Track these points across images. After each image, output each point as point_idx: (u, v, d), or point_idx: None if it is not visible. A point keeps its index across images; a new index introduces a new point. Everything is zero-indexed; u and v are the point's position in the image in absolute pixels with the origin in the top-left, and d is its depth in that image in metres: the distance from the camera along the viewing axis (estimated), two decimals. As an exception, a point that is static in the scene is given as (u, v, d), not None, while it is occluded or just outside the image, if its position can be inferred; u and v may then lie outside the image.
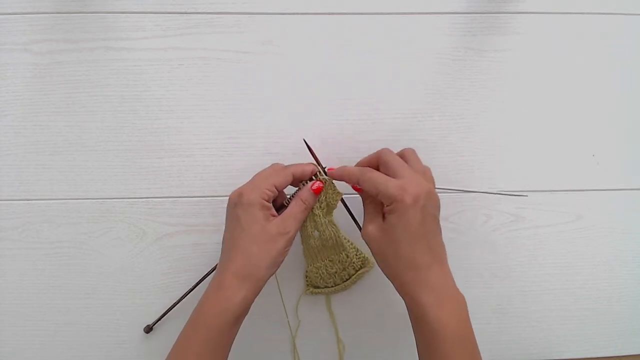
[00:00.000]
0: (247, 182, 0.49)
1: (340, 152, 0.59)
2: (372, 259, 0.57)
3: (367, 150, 0.58)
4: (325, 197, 0.52)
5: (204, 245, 0.59)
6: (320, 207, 0.52)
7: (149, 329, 0.58)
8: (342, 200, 0.54)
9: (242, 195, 0.47)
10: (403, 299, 0.47)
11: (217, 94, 0.58)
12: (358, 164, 0.53)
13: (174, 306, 0.57)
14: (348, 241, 0.56)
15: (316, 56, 0.58)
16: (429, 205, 0.46)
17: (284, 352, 0.60)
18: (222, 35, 0.57)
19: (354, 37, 0.58)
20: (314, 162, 0.52)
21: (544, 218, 0.61)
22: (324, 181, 0.51)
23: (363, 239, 0.49)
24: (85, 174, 0.58)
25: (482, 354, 0.61)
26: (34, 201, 0.58)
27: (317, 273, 0.56)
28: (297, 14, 0.57)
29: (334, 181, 0.51)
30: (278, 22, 0.57)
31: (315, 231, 0.53)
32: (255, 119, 0.58)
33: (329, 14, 0.58)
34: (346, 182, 0.51)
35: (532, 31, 0.59)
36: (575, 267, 0.61)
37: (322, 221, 0.52)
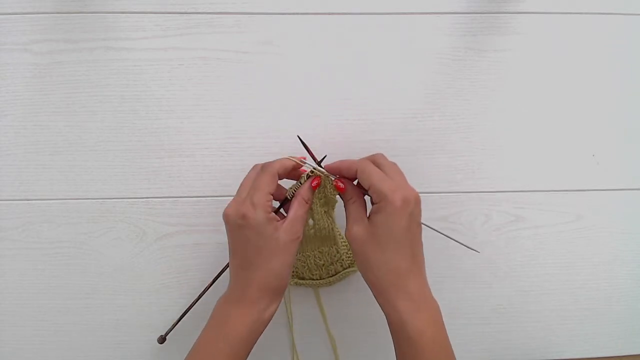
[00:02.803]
0: (242, 198, 0.47)
1: (340, 152, 0.59)
2: None
3: (367, 150, 0.58)
4: (324, 191, 0.52)
5: (204, 245, 0.59)
6: (318, 198, 0.52)
7: (162, 340, 0.58)
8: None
9: (247, 217, 0.45)
10: (381, 306, 0.47)
11: (217, 94, 0.58)
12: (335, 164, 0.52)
13: (185, 314, 0.57)
14: (342, 238, 0.56)
15: (316, 56, 0.58)
16: (416, 212, 0.46)
17: (283, 350, 0.60)
18: (222, 35, 0.57)
19: (354, 37, 0.58)
20: (309, 157, 0.52)
21: (544, 218, 0.61)
22: (321, 177, 0.50)
23: (347, 240, 0.48)
24: (85, 174, 0.58)
25: (482, 354, 0.61)
26: (34, 201, 0.58)
27: (304, 262, 0.56)
28: (297, 14, 0.57)
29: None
30: (278, 22, 0.57)
31: (310, 219, 0.53)
32: (255, 119, 0.58)
33: (329, 14, 0.58)
34: (343, 174, 0.50)
35: (532, 31, 0.59)
36: (575, 267, 0.61)
37: (318, 210, 0.53)
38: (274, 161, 0.49)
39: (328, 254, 0.56)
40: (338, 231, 0.56)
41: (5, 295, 0.58)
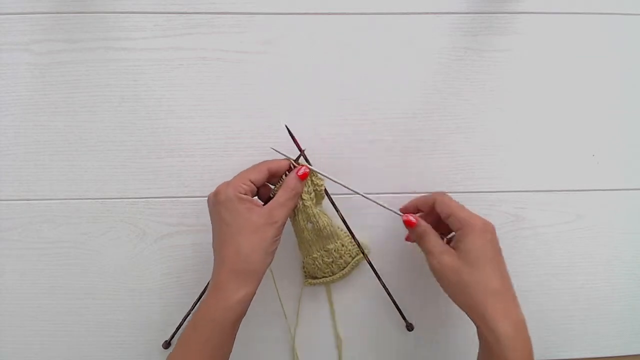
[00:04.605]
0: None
1: (340, 152, 0.59)
2: (368, 246, 0.58)
3: (367, 150, 0.59)
4: (312, 185, 0.52)
5: (204, 245, 0.59)
6: (310, 197, 0.52)
7: (167, 345, 0.58)
8: (325, 191, 0.54)
9: (218, 193, 0.47)
10: (477, 325, 0.47)
11: (217, 94, 0.58)
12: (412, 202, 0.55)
13: (188, 315, 0.57)
14: (341, 230, 0.57)
15: (316, 56, 0.58)
16: (496, 238, 0.48)
17: (282, 348, 0.60)
18: (222, 35, 0.57)
19: (354, 37, 0.58)
20: (297, 149, 0.53)
21: (544, 218, 0.61)
22: (308, 169, 0.51)
23: (435, 272, 0.49)
24: (85, 174, 0.58)
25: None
26: (34, 201, 0.58)
27: (313, 264, 0.56)
28: (297, 14, 0.57)
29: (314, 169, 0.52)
30: (278, 22, 0.57)
31: (309, 223, 0.54)
32: (255, 119, 0.58)
33: (329, 14, 0.58)
34: (419, 209, 0.53)
35: (532, 31, 0.59)
36: (575, 267, 0.61)
37: (315, 212, 0.53)
38: (272, 159, 0.51)
39: (334, 250, 0.56)
40: (337, 225, 0.56)
41: (5, 295, 0.58)
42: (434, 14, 0.58)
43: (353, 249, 0.57)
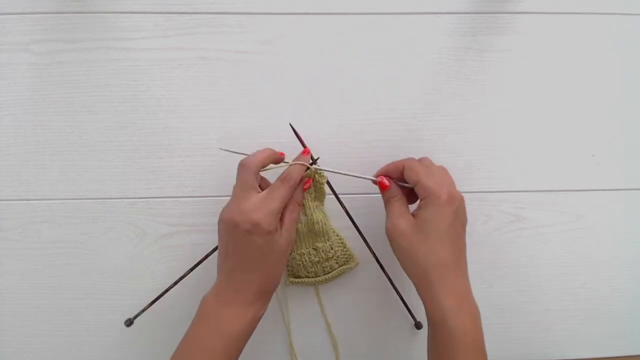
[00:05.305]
0: (251, 205, 0.46)
1: (340, 152, 0.59)
2: (356, 258, 0.58)
3: (366, 150, 0.59)
4: (313, 180, 0.53)
5: (204, 245, 0.59)
6: (308, 191, 0.53)
7: (130, 322, 0.56)
8: (328, 183, 0.54)
9: (260, 226, 0.45)
10: (423, 300, 0.47)
11: (217, 94, 0.58)
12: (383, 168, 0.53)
13: (157, 300, 0.56)
14: (336, 235, 0.57)
15: (316, 56, 0.58)
16: (461, 211, 0.48)
17: (281, 349, 0.60)
18: (222, 35, 0.57)
19: (353, 37, 0.58)
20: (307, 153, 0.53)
21: (544, 218, 0.61)
22: (312, 178, 0.52)
23: (389, 235, 0.49)
24: (85, 174, 0.58)
25: (482, 354, 0.60)
26: (34, 201, 0.58)
27: (300, 260, 0.56)
28: (297, 14, 0.57)
29: (319, 167, 0.52)
30: (278, 22, 0.57)
31: (303, 216, 0.54)
32: (255, 119, 0.58)
33: (329, 14, 0.58)
34: (389, 175, 0.51)
35: (532, 31, 0.59)
36: (575, 267, 0.61)
37: (310, 205, 0.54)
38: (292, 172, 0.49)
39: (322, 250, 0.56)
40: (331, 227, 0.56)
41: (5, 295, 0.58)
42: (434, 14, 0.58)
43: (342, 257, 0.57)
